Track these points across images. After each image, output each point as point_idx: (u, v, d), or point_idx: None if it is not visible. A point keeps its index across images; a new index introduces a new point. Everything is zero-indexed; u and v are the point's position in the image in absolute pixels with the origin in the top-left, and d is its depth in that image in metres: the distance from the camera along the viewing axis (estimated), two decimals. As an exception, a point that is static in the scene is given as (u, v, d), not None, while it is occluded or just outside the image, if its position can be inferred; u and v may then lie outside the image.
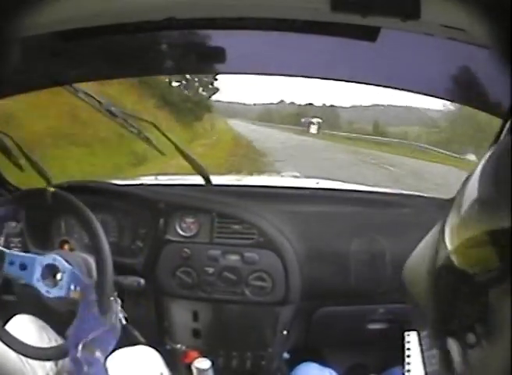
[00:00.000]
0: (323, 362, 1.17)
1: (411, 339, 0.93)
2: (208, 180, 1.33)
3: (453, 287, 0.35)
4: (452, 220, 0.38)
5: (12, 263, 0.96)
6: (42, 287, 0.92)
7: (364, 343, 1.36)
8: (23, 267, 0.95)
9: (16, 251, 1.00)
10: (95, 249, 1.00)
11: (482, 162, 0.37)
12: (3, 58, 0.51)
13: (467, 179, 0.37)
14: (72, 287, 0.92)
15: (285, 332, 1.26)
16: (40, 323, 1.17)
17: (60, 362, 1.11)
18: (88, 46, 1.04)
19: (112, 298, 0.90)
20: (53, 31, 0.91)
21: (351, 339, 1.36)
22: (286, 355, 1.31)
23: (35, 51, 0.98)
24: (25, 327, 1.08)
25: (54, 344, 1.10)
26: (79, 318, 0.85)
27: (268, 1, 0.86)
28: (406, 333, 0.92)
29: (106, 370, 0.81)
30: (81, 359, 0.77)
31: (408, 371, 0.90)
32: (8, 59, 0.51)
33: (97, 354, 0.80)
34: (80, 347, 0.79)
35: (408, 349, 0.92)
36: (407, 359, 0.91)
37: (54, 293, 0.92)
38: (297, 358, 1.26)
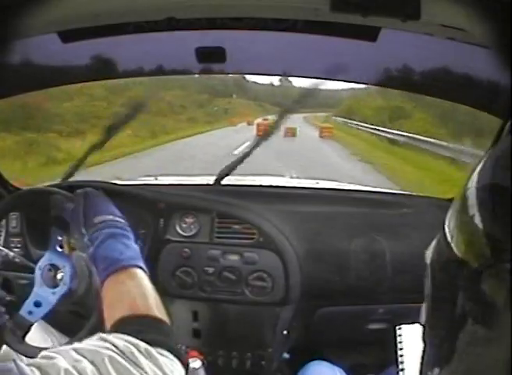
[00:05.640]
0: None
1: (403, 332, 0.93)
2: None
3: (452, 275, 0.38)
4: (452, 217, 0.40)
5: None
6: (46, 290, 0.92)
7: (364, 343, 1.36)
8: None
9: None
10: None
11: (483, 161, 0.37)
12: (3, 58, 0.51)
13: (469, 178, 0.38)
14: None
15: (285, 332, 1.26)
16: (43, 324, 1.16)
17: None
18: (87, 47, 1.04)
19: None
20: (53, 31, 0.91)
21: (351, 339, 1.36)
22: (286, 355, 1.31)
23: (35, 51, 0.98)
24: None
25: (56, 345, 1.10)
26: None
27: (268, 1, 0.86)
28: (397, 327, 0.92)
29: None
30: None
31: (402, 363, 0.90)
32: (9, 59, 0.51)
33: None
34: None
35: (400, 342, 0.92)
36: (399, 352, 0.91)
37: (58, 292, 0.91)
38: (297, 359, 1.26)
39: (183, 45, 1.10)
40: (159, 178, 1.64)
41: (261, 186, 1.48)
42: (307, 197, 1.41)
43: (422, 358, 0.44)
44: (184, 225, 1.28)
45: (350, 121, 15.11)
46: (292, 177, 2.00)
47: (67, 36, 0.95)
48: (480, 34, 0.64)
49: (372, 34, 0.90)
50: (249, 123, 18.79)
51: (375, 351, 1.33)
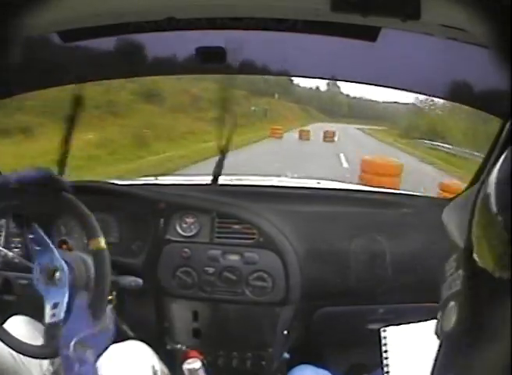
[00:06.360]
0: (323, 363, 1.16)
1: (388, 335, 0.93)
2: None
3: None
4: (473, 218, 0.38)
5: None
6: (42, 288, 0.92)
7: (364, 343, 1.35)
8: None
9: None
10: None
11: (500, 162, 0.36)
12: (4, 58, 0.51)
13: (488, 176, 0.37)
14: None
15: (285, 332, 1.26)
16: (36, 324, 1.16)
17: (57, 362, 1.11)
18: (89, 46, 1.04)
19: (107, 303, 0.90)
20: (53, 31, 0.91)
21: (351, 339, 1.36)
22: (286, 355, 1.31)
23: (35, 52, 0.98)
24: (17, 327, 1.07)
25: None
26: (71, 318, 0.86)
27: (268, 1, 0.86)
28: (382, 329, 0.92)
29: (96, 370, 0.81)
30: (72, 358, 0.78)
31: (387, 365, 0.90)
32: (10, 59, 0.51)
33: (89, 353, 0.80)
34: (72, 345, 0.79)
35: (385, 345, 0.92)
36: (384, 355, 0.91)
37: (53, 292, 0.92)
38: (297, 359, 1.25)
39: (183, 45, 1.10)
40: (159, 178, 1.64)
41: (261, 186, 1.48)
42: (307, 197, 1.41)
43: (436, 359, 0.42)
44: (184, 225, 1.28)
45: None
46: (292, 177, 2.00)
47: (67, 36, 0.95)
48: (480, 34, 0.64)
49: (372, 34, 0.90)
50: (302, 137, 12.77)
51: (375, 352, 1.33)
